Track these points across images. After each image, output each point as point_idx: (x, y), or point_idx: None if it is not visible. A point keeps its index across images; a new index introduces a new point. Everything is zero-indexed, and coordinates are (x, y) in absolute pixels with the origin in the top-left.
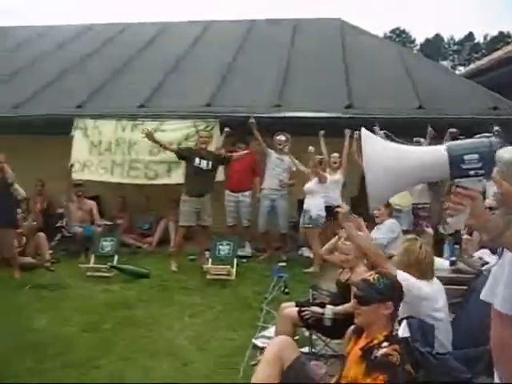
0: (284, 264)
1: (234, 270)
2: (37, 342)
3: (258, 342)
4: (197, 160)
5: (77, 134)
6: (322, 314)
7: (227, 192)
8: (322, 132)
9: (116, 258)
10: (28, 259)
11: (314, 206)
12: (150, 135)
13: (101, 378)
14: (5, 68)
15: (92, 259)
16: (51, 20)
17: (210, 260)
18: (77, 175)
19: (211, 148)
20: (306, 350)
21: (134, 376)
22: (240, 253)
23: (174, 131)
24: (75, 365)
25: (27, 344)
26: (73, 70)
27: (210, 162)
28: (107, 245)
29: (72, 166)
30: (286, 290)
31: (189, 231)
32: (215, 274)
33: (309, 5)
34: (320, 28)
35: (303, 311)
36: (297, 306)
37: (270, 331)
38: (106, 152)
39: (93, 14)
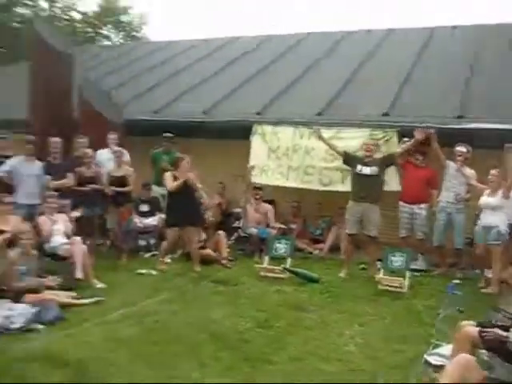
0: (459, 281)
1: (407, 282)
2: (216, 333)
3: (431, 359)
4: (358, 167)
5: (255, 139)
6: (507, 337)
7: (401, 203)
8: (509, 145)
9: (289, 260)
10: (208, 251)
11: (501, 221)
12: (318, 133)
13: (273, 374)
14: (192, 77)
15: (266, 260)
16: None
17: (382, 270)
18: (255, 179)
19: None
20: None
21: (304, 376)
22: (413, 266)
23: (351, 139)
24: (249, 358)
25: (209, 333)
26: (254, 78)
27: (375, 168)
28: (281, 247)
29: (252, 168)
30: (461, 309)
31: (357, 239)
32: (387, 285)
33: (492, 10)
34: (506, 34)
35: (485, 332)
36: (477, 326)
37: (446, 349)
38: (283, 157)
39: (277, 25)
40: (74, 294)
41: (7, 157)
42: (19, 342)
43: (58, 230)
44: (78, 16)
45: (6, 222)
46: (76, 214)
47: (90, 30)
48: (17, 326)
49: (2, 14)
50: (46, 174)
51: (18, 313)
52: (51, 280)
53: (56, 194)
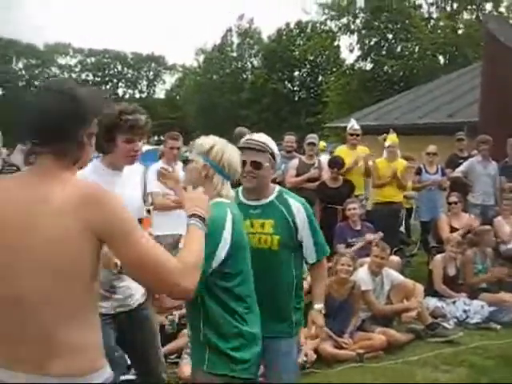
0: None
1: None
2: None
3: None
4: None
5: None
6: None
7: None
8: None
9: None
10: None
11: None
12: None
13: None
14: None
15: None
16: None
17: None
18: None
19: None
20: None
21: None
22: None
23: None
24: None
25: None
26: None
27: None
28: None
29: None
30: None
31: None
32: None
33: None
34: None
35: None
36: None
37: None
38: None
39: None
40: None
41: (463, 158)
42: (476, 337)
43: None
44: None
45: (460, 218)
46: None
47: None
48: (473, 321)
49: None
50: (502, 174)
51: (474, 309)
52: (498, 271)
53: None
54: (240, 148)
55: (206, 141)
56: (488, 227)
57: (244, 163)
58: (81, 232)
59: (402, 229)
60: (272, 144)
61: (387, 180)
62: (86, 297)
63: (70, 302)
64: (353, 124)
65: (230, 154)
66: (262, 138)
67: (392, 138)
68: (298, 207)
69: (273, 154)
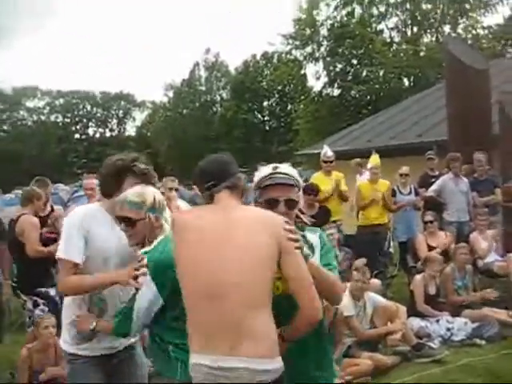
0: None
1: None
2: None
3: None
4: None
5: None
6: None
7: None
8: None
9: None
10: None
11: None
12: None
13: None
14: None
15: None
16: None
17: None
18: None
19: None
20: None
21: None
22: None
23: None
24: None
25: None
26: None
27: None
28: None
29: None
30: None
31: None
32: None
33: None
34: None
35: None
36: None
37: None
38: None
39: None
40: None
41: (435, 176)
42: (462, 354)
43: (492, 246)
44: (483, 32)
45: (436, 237)
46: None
47: (496, 43)
48: (458, 338)
49: None
50: (473, 190)
51: (458, 327)
52: (489, 292)
53: (486, 210)
54: (266, 185)
55: (144, 195)
56: (463, 244)
57: (274, 202)
58: (272, 242)
59: (391, 249)
60: (298, 175)
61: (368, 201)
62: (271, 290)
63: (266, 296)
64: (326, 151)
65: (160, 195)
66: (288, 169)
67: (374, 160)
68: (316, 242)
69: (299, 187)
